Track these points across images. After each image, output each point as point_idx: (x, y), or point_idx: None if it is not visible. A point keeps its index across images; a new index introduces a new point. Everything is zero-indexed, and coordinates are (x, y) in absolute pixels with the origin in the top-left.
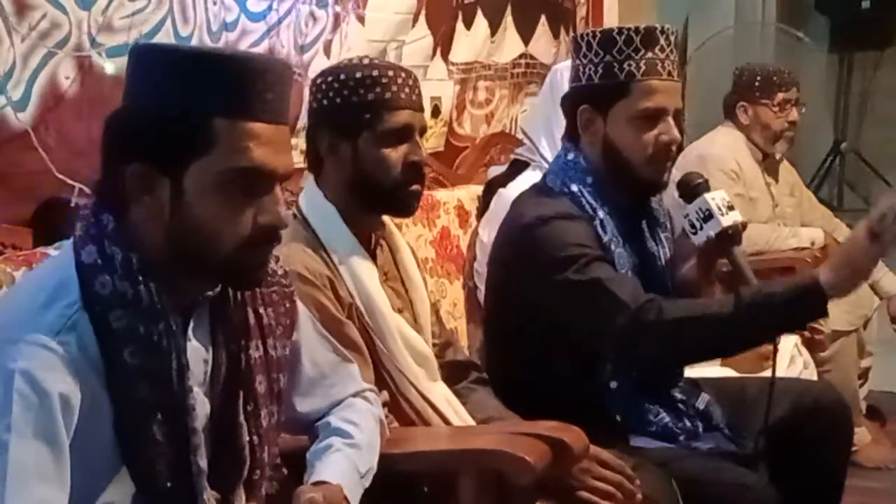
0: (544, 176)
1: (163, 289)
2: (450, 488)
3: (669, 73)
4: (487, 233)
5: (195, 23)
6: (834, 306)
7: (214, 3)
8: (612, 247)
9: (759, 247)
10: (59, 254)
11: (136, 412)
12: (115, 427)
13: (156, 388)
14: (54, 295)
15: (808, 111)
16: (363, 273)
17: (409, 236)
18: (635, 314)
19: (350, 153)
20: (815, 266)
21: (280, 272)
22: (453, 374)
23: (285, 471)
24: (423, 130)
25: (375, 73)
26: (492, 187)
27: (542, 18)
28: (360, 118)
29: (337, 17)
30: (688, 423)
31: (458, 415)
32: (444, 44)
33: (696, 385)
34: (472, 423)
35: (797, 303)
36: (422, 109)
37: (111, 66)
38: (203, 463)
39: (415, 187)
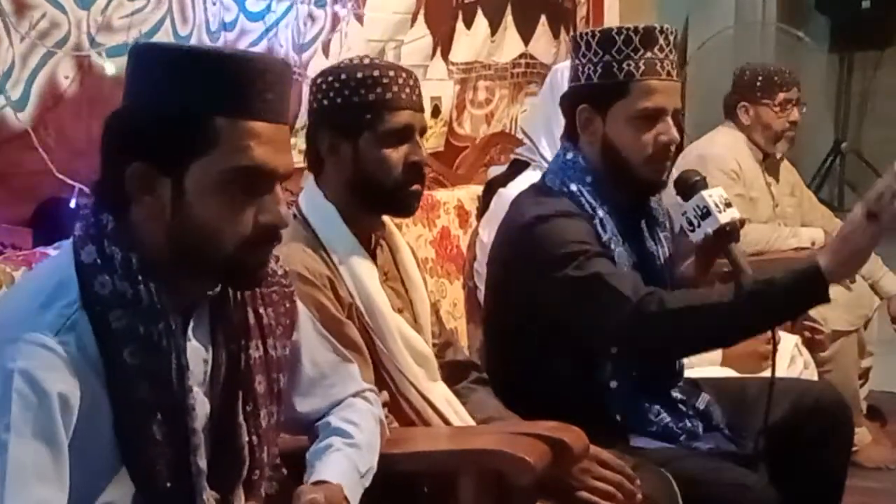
0: (543, 175)
1: (163, 289)
2: (450, 488)
3: (668, 73)
4: (487, 233)
5: (194, 22)
6: (834, 306)
7: (213, 3)
8: (612, 246)
9: (759, 247)
10: (59, 254)
11: (136, 412)
12: (114, 427)
13: (155, 388)
14: (54, 295)
15: (809, 111)
16: (363, 273)
17: (409, 236)
18: (637, 307)
19: (351, 153)
20: None
21: (280, 272)
22: (453, 374)
23: (285, 471)
24: (423, 130)
25: (376, 73)
26: (492, 187)
27: (543, 18)
28: (360, 118)
29: (335, 17)
30: (688, 423)
31: (458, 415)
32: (444, 43)
33: (696, 385)
34: (472, 423)
35: (798, 289)
36: (422, 109)
37: (111, 66)
38: (203, 463)
39: (415, 187)
